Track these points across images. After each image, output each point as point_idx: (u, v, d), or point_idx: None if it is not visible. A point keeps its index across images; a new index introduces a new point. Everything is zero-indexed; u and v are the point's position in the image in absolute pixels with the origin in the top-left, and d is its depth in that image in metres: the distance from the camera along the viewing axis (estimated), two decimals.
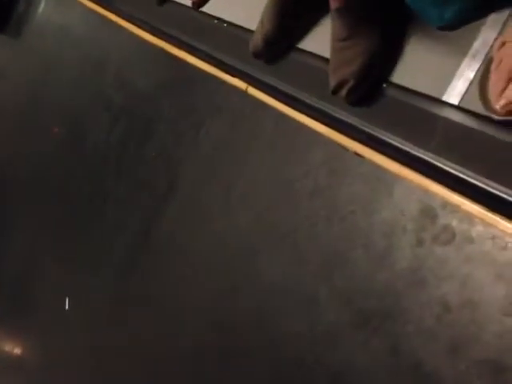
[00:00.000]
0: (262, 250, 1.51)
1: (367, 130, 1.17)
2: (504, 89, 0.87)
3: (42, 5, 3.34)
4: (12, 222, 2.89)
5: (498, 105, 0.88)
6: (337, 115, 1.25)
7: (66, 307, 2.21)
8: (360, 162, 1.26)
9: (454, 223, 1.08)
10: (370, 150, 1.22)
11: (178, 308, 1.73)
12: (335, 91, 1.20)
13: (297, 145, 1.45)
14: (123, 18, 2.13)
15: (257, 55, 1.40)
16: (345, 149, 1.28)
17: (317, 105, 1.31)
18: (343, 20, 1.12)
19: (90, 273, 2.19)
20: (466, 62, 1.01)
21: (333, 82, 1.19)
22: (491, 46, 0.97)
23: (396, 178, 1.18)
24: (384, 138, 1.15)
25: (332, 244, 1.33)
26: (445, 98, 1.03)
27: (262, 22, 1.38)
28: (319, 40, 1.30)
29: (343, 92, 1.18)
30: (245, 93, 1.56)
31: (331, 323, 1.30)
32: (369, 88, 1.15)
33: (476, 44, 1.00)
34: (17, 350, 2.62)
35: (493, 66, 0.91)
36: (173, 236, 1.80)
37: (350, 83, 1.15)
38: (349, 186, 1.30)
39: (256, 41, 1.39)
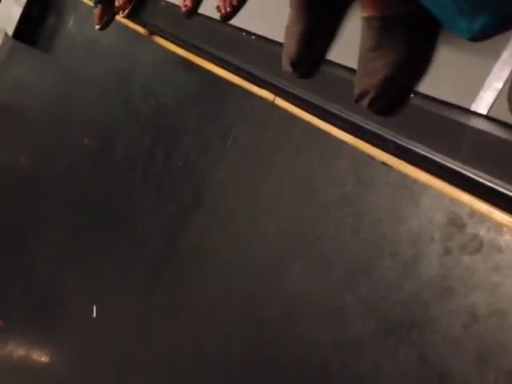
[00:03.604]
0: (288, 258, 1.52)
1: (394, 139, 1.18)
2: None
3: (72, 19, 3.42)
4: (41, 230, 2.93)
5: None
6: (363, 125, 1.26)
7: (94, 315, 2.24)
8: (387, 171, 1.27)
9: (482, 232, 1.08)
10: (397, 160, 1.22)
11: (203, 318, 1.74)
12: (357, 100, 1.21)
13: (323, 154, 1.46)
14: (151, 30, 2.18)
15: (289, 75, 1.41)
16: (372, 158, 1.29)
17: (343, 114, 1.32)
18: (374, 30, 1.13)
19: (116, 282, 2.21)
20: (494, 71, 1.02)
21: (356, 91, 1.21)
22: None
23: (423, 187, 1.19)
24: (411, 147, 1.16)
25: (359, 252, 1.33)
26: (473, 108, 1.04)
27: (285, 44, 1.39)
28: (347, 50, 1.32)
29: (365, 102, 1.19)
30: (272, 104, 1.58)
31: (358, 332, 1.30)
32: (392, 99, 1.16)
33: (504, 54, 1.00)
34: (44, 358, 2.65)
35: None
36: (199, 245, 1.82)
37: (371, 94, 1.16)
38: (376, 195, 1.31)
39: (285, 65, 1.40)
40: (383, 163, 1.26)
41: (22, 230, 3.15)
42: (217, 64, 1.75)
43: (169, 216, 1.99)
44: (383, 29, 1.12)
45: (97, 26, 2.24)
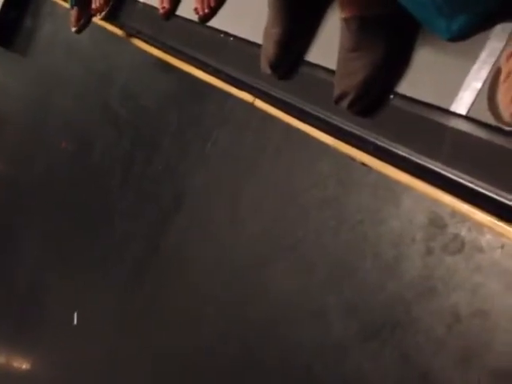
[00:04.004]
0: (270, 260, 1.51)
1: (374, 140, 1.18)
2: None
3: (49, 21, 3.38)
4: (20, 234, 2.90)
5: (509, 115, 0.88)
6: (343, 126, 1.26)
7: (75, 322, 2.21)
8: (368, 172, 1.26)
9: (464, 232, 1.08)
10: (377, 161, 1.22)
11: (187, 320, 1.73)
12: (337, 102, 1.20)
13: (304, 156, 1.46)
14: (129, 32, 2.15)
15: (267, 76, 1.40)
16: (352, 159, 1.28)
17: (323, 116, 1.31)
18: (353, 30, 1.13)
19: (98, 285, 2.19)
20: (472, 72, 1.02)
21: (336, 92, 1.20)
22: (498, 56, 0.97)
23: (404, 187, 1.19)
24: (391, 148, 1.15)
25: (340, 254, 1.33)
26: (453, 109, 1.04)
27: (264, 45, 1.38)
28: (326, 51, 1.31)
29: (344, 103, 1.18)
30: (252, 105, 1.57)
31: (340, 333, 1.30)
32: (371, 100, 1.15)
33: (483, 54, 1.00)
34: (26, 366, 2.62)
35: (502, 78, 0.91)
36: (180, 248, 1.80)
37: (351, 95, 1.15)
38: (357, 196, 1.31)
39: (264, 66, 1.39)
40: (363, 164, 1.26)
41: None
42: (196, 66, 1.73)
43: (149, 219, 1.97)
44: (362, 29, 1.11)
45: (73, 29, 2.21)
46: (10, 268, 2.86)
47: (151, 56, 1.93)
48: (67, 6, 2.52)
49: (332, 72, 1.25)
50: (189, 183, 1.84)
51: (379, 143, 1.18)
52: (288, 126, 1.45)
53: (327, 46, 1.30)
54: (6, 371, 2.76)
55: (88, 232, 2.34)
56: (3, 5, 3.68)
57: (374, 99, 1.16)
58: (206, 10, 1.68)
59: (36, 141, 3.09)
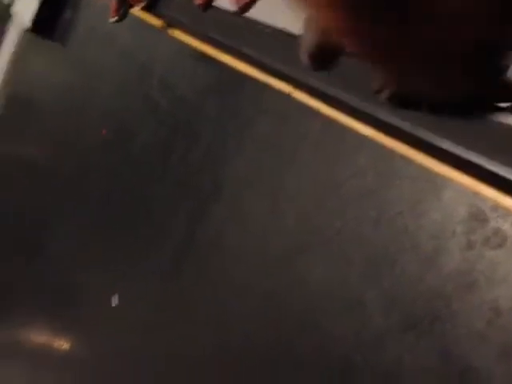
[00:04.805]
0: (309, 251, 1.52)
1: (415, 132, 1.17)
2: None
3: (88, 11, 3.42)
4: (59, 220, 2.96)
5: None
6: (382, 118, 1.25)
7: (114, 304, 2.26)
8: (408, 164, 1.25)
9: (506, 226, 1.07)
10: (418, 153, 1.21)
11: (224, 311, 1.75)
12: (377, 92, 1.19)
13: (343, 147, 1.45)
14: (167, 23, 2.17)
15: (307, 67, 1.40)
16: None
17: (362, 107, 1.30)
18: None
19: (137, 273, 2.23)
20: None
21: (375, 83, 1.19)
22: None
23: (445, 180, 1.17)
24: (432, 140, 1.14)
25: (380, 246, 1.33)
26: None
27: (304, 36, 1.38)
28: None
29: (384, 94, 1.17)
30: (289, 96, 1.57)
31: (379, 325, 1.30)
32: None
33: None
34: (65, 346, 2.68)
35: None
36: (219, 237, 1.82)
37: (391, 86, 1.14)
38: (397, 188, 1.30)
39: (303, 57, 1.38)
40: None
41: (41, 220, 3.18)
42: (232, 55, 1.73)
43: (188, 208, 1.99)
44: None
45: (112, 19, 2.23)
46: (48, 253, 2.93)
47: (189, 46, 1.94)
48: None
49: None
50: (227, 172, 1.85)
51: (419, 135, 1.17)
52: (327, 117, 1.45)
53: None
54: (47, 351, 2.83)
55: (127, 220, 2.38)
56: None
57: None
58: (245, 1, 1.68)
59: (76, 129, 3.14)
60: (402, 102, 1.17)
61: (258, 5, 1.65)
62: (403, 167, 1.27)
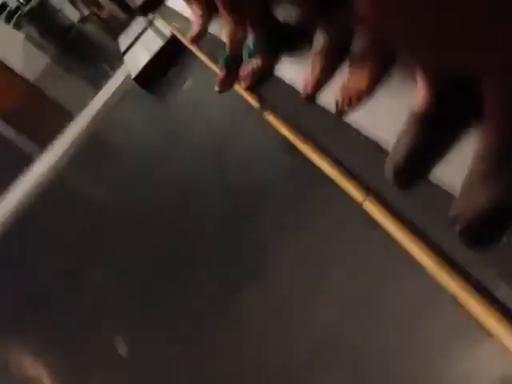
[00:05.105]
0: (327, 368, 1.46)
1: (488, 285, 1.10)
2: None
3: (191, 77, 3.60)
4: (98, 263, 2.97)
5: None
6: (451, 254, 1.20)
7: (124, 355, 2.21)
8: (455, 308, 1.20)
9: None
10: (466, 295, 1.14)
11: None
12: (451, 223, 1.14)
13: (394, 269, 1.42)
14: (264, 106, 2.24)
15: (390, 183, 1.40)
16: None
17: (430, 235, 1.28)
18: (492, 155, 1.08)
19: (163, 330, 2.17)
20: None
21: (451, 213, 1.14)
22: None
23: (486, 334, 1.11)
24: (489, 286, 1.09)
25: (403, 377, 1.27)
26: None
27: (394, 149, 1.39)
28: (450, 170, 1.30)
29: (457, 227, 1.12)
30: (360, 206, 1.57)
31: None
32: (494, 232, 1.10)
33: None
34: None
35: None
36: (247, 319, 1.79)
37: (467, 221, 1.11)
38: (436, 327, 1.25)
39: (387, 172, 1.38)
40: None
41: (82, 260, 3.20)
42: (320, 156, 1.75)
43: (226, 283, 1.98)
44: (502, 156, 1.06)
45: (217, 88, 2.33)
46: (79, 292, 2.92)
47: (280, 133, 1.99)
48: (214, 67, 2.69)
49: (450, 195, 1.22)
50: (276, 257, 1.84)
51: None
52: (390, 238, 1.43)
53: (455, 168, 1.28)
54: None
55: (167, 279, 2.35)
56: (157, 52, 4.00)
57: (499, 231, 1.09)
58: (346, 107, 1.74)
59: (144, 183, 3.22)
60: (475, 235, 1.13)
61: (359, 111, 1.70)
62: (450, 310, 1.21)
